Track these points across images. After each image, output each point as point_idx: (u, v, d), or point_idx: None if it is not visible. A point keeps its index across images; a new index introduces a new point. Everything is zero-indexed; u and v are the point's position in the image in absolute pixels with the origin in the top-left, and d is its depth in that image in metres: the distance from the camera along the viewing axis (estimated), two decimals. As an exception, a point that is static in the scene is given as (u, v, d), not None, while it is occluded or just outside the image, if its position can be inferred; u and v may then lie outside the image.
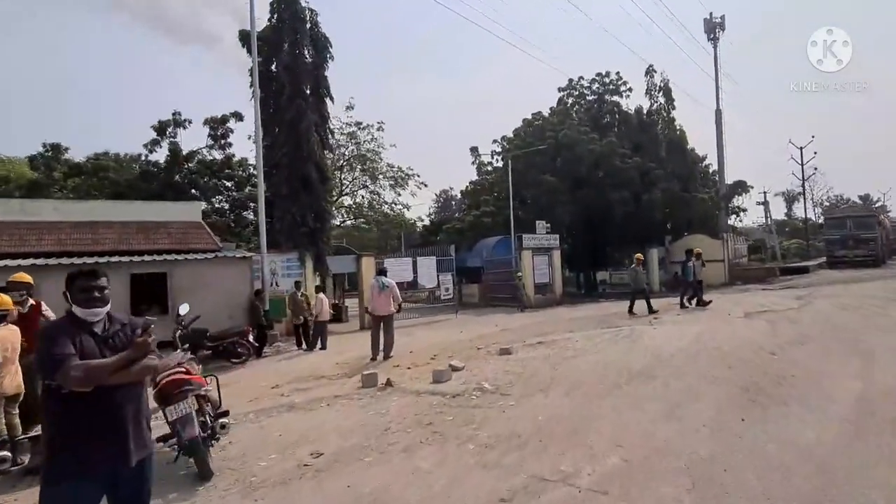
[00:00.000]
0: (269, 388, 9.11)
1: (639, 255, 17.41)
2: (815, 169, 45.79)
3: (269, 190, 17.04)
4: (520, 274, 22.83)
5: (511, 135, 30.59)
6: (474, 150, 31.17)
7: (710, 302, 15.95)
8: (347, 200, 29.71)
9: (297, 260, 16.56)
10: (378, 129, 26.68)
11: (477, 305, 27.23)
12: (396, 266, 19.87)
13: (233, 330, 12.17)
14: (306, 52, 17.12)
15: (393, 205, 29.86)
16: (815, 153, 41.59)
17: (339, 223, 30.03)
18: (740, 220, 42.92)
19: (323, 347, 13.23)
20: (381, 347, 10.92)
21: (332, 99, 17.60)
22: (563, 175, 28.46)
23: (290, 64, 16.64)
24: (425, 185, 29.45)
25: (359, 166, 27.14)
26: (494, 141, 32.61)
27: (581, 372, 7.65)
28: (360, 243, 30.87)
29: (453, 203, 50.80)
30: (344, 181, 27.92)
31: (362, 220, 29.87)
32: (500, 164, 31.83)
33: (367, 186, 28.20)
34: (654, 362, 7.95)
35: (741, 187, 34.56)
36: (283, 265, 16.30)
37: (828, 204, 71.98)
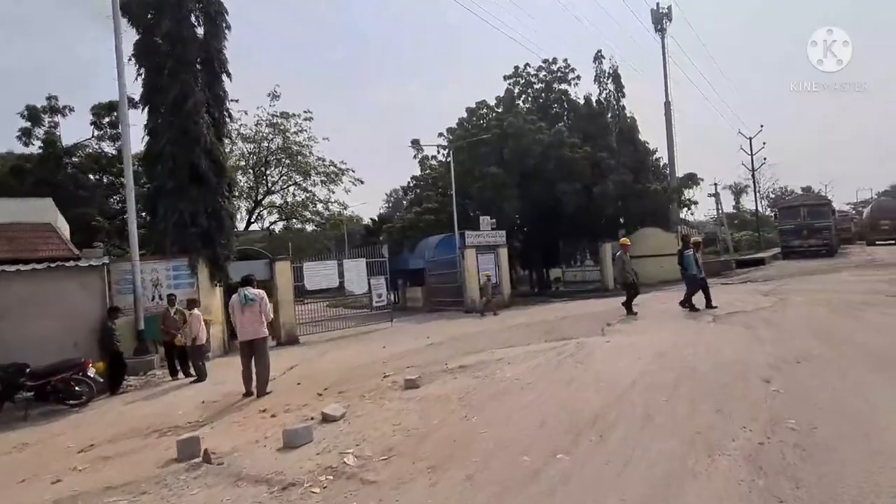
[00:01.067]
0: (76, 453, 6.25)
1: (624, 240, 14.51)
2: (765, 159, 45.20)
3: (152, 183, 13.95)
4: (489, 273, 20.64)
5: (455, 125, 28.10)
6: (415, 143, 28.65)
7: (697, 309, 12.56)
8: (278, 200, 26.59)
9: (186, 267, 13.51)
10: (305, 119, 23.72)
11: (421, 310, 24.68)
12: (318, 270, 17.06)
13: (68, 363, 9.11)
14: (194, 19, 14.09)
15: (329, 203, 26.87)
16: (764, 143, 40.95)
17: (268, 225, 26.89)
18: (692, 213, 41.86)
19: (199, 378, 10.30)
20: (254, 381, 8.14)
21: (229, 76, 14.60)
22: (510, 167, 26.14)
23: (171, 31, 13.56)
24: (360, 182, 26.70)
25: (286, 161, 24.06)
26: (440, 135, 30.11)
27: (503, 425, 5.09)
28: (295, 246, 27.72)
29: (404, 202, 47.98)
30: (271, 177, 24.81)
31: (295, 220, 26.77)
32: (446, 157, 29.36)
33: (298, 183, 25.17)
34: (608, 401, 5.47)
35: (692, 180, 33.04)
36: (167, 274, 13.24)
37: (773, 196, 73.15)
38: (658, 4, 38.73)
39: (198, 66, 14.04)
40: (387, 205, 48.91)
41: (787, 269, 23.03)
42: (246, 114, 23.31)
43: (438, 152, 29.53)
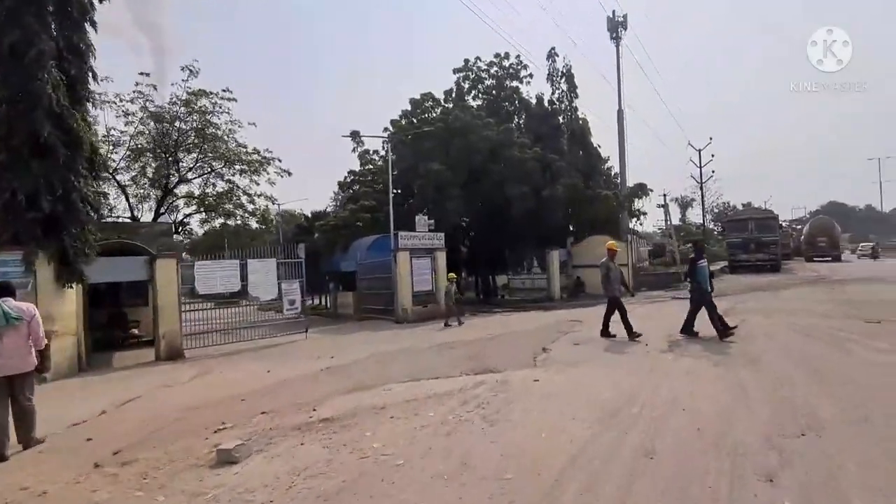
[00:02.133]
0: None
1: (612, 244, 11.56)
2: (713, 172, 44.76)
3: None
4: (454, 276, 17.98)
5: (399, 117, 25.50)
6: (355, 134, 25.83)
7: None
8: (196, 190, 23.21)
9: (20, 262, 10.37)
10: (226, 99, 20.57)
11: (352, 317, 21.92)
12: (212, 271, 14.10)
13: None
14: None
15: (255, 196, 23.71)
16: (713, 156, 40.32)
17: (181, 217, 23.46)
18: (640, 224, 40.80)
19: None
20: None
21: (93, 25, 11.53)
22: (456, 166, 23.78)
23: (9, -40, 10.45)
24: (288, 174, 23.66)
25: (203, 145, 20.81)
26: (386, 129, 27.44)
27: None
28: (235, 244, 24.36)
29: (338, 200, 44.75)
30: (185, 163, 21.50)
31: (215, 214, 23.44)
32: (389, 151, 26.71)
33: (214, 170, 21.87)
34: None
35: (642, 190, 31.65)
36: (-10, 270, 10.06)
37: (717, 211, 73.97)
38: (614, 12, 37.49)
39: (50, 9, 10.94)
40: (334, 202, 45.58)
41: (738, 284, 21.57)
42: (155, 89, 19.96)
43: (383, 147, 26.84)
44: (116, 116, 19.94)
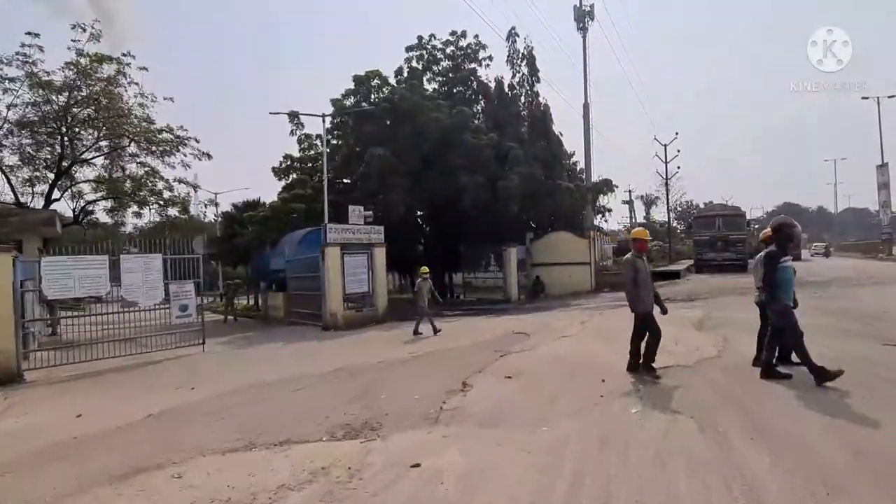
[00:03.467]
0: None
1: (639, 232, 7.50)
2: (679, 168, 43.03)
3: None
4: (426, 270, 13.64)
5: (341, 97, 22.42)
6: (293, 115, 22.65)
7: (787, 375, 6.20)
8: (101, 174, 19.68)
9: None
10: (133, 66, 17.17)
11: (282, 322, 18.93)
12: (67, 270, 10.96)
13: None
14: None
15: (173, 182, 20.33)
16: (679, 151, 38.57)
17: (83, 204, 19.88)
18: (605, 221, 38.80)
19: None
20: None
21: None
22: (404, 152, 20.97)
23: None
24: (208, 157, 20.38)
25: (100, 120, 17.35)
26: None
27: None
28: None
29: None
30: (81, 141, 17.98)
31: (128, 201, 19.94)
32: (331, 135, 23.64)
33: (116, 149, 18.43)
34: None
35: (607, 185, 29.43)
36: None
37: (680, 209, 73.08)
38: (581, 2, 35.27)
39: None
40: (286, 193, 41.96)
41: (707, 286, 19.39)
42: (41, 50, 16.40)
43: (327, 129, 23.72)
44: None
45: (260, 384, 7.69)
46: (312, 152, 23.60)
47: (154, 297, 12.19)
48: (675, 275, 24.19)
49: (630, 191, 40.59)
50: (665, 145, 38.12)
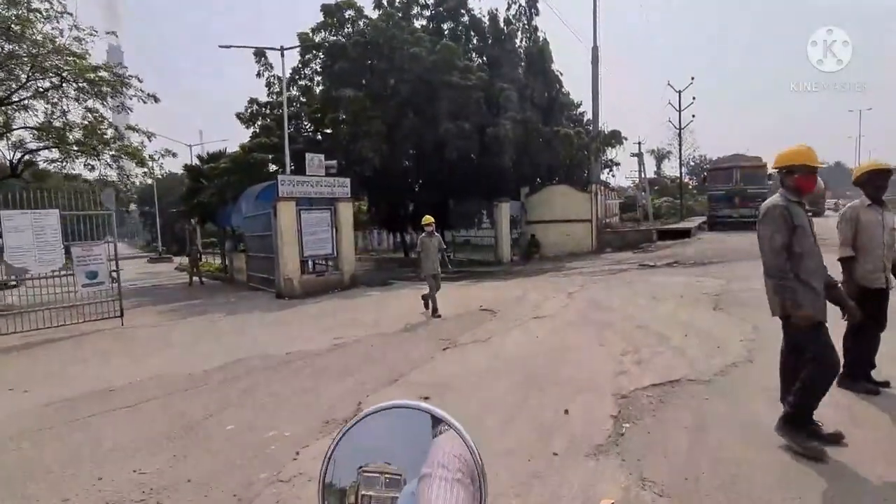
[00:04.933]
0: None
1: (799, 150, 3.49)
2: (693, 117, 39.47)
3: None
4: (431, 221, 9.52)
5: (310, 31, 19.36)
6: (260, 55, 19.76)
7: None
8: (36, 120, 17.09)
9: None
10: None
11: (244, 286, 16.81)
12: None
13: None
14: None
15: (126, 130, 17.78)
16: (694, 98, 34.97)
17: (20, 156, 17.46)
18: (613, 175, 35.75)
19: None
20: None
21: None
22: (379, 95, 18.18)
23: None
24: (154, 99, 17.72)
25: (21, 49, 14.60)
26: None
27: None
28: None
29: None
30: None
31: (78, 151, 17.49)
32: (318, 77, 20.66)
33: (41, 91, 15.83)
34: None
35: (615, 137, 26.31)
36: None
37: (692, 164, 69.07)
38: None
39: None
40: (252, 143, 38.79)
41: (722, 247, 16.73)
42: None
43: (298, 71, 20.80)
44: None
45: (98, 393, 5.45)
46: (273, 94, 20.75)
47: (51, 263, 9.95)
48: (684, 233, 21.53)
49: (640, 142, 37.18)
50: (679, 91, 34.53)
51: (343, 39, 19.09)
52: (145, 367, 6.45)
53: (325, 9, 18.73)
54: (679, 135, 35.50)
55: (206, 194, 19.41)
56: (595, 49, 31.69)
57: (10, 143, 17.73)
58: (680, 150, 37.15)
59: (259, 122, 20.26)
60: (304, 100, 20.61)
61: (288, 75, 20.30)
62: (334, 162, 15.18)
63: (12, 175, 17.49)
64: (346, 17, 19.36)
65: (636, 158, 39.35)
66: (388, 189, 22.43)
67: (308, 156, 14.11)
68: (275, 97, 20.95)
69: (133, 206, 61.37)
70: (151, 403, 4.91)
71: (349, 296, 12.95)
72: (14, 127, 17.16)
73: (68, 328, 10.00)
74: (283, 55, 16.52)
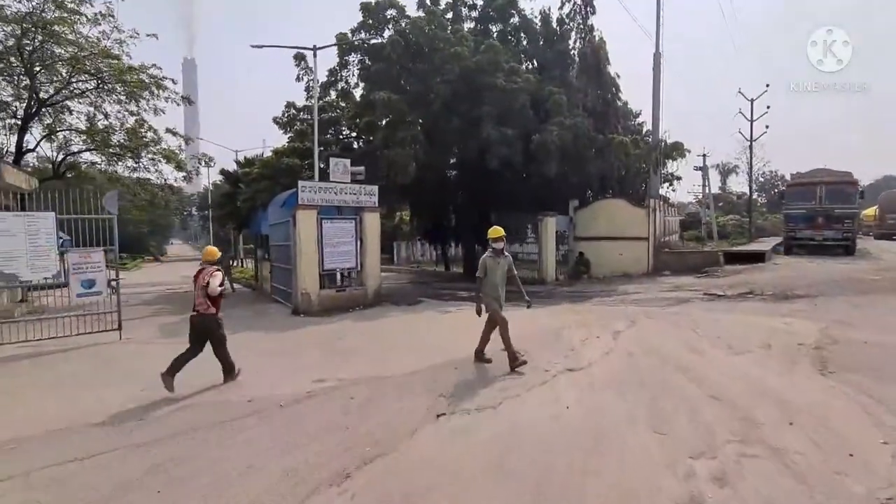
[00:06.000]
0: None
1: None
2: (767, 128, 35.71)
3: None
4: (498, 233, 6.61)
5: (350, 32, 18.38)
6: (299, 58, 18.99)
7: None
8: (80, 123, 16.97)
9: None
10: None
11: (269, 297, 15.85)
12: None
13: None
14: None
15: (148, 131, 17.27)
16: (769, 107, 31.55)
17: (61, 157, 17.39)
18: (673, 190, 32.76)
19: None
20: None
21: None
22: (418, 98, 16.87)
23: None
24: (189, 101, 17.21)
25: (44, 46, 14.31)
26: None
27: None
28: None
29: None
30: (44, 84, 15.30)
31: (123, 153, 17.26)
32: (354, 79, 19.63)
33: (84, 93, 15.58)
34: None
35: (676, 149, 23.71)
36: None
37: (762, 180, 63.74)
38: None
39: None
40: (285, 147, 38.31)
41: (806, 275, 14.11)
42: None
43: (338, 76, 19.88)
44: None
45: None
46: (323, 102, 19.88)
47: (44, 270, 9.13)
48: (757, 256, 18.78)
49: (704, 155, 34.05)
50: (751, 100, 31.25)
51: (383, 40, 18.01)
52: (74, 404, 5.24)
53: (364, 7, 17.67)
54: (750, 147, 32.17)
55: (240, 200, 18.76)
56: (657, 55, 29.27)
57: (55, 145, 17.78)
58: (750, 163, 33.73)
59: (296, 127, 19.45)
60: (343, 104, 19.64)
61: (325, 78, 19.45)
62: (361, 168, 13.93)
63: (55, 176, 17.45)
64: (387, 16, 18.22)
65: (700, 172, 36.18)
66: (429, 199, 21.08)
67: (332, 161, 12.91)
68: (328, 100, 20.15)
69: (193, 210, 63.73)
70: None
71: (368, 316, 11.55)
72: (59, 129, 17.15)
73: (63, 340, 9.16)
74: (315, 55, 15.54)
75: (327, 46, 16.23)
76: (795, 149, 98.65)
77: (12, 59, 14.73)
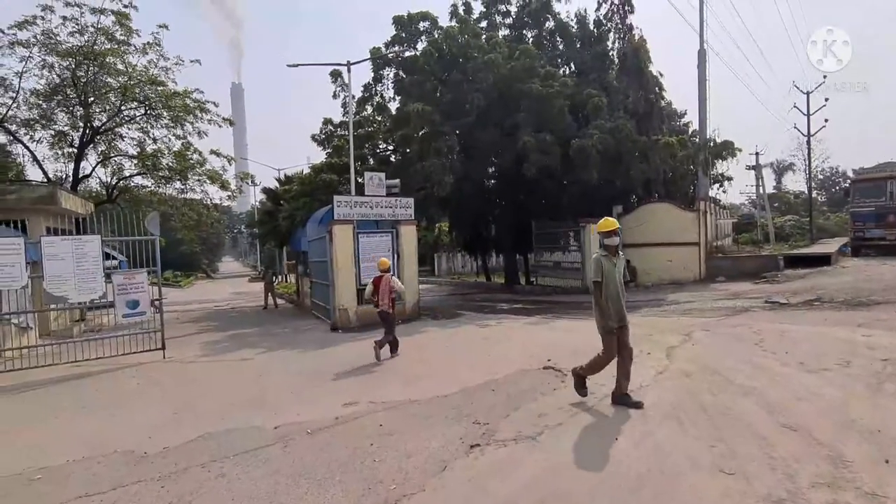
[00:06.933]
0: None
1: None
2: (826, 122, 33.57)
3: None
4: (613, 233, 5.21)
5: (383, 46, 18.42)
6: (336, 75, 19.19)
7: None
8: (127, 147, 17.74)
9: None
10: (124, 21, 14.65)
11: (309, 312, 15.90)
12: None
13: None
14: None
15: (192, 152, 17.79)
16: (827, 100, 29.49)
17: (114, 181, 18.16)
18: (724, 191, 30.97)
19: None
20: None
21: None
22: (452, 108, 16.65)
23: None
24: (230, 123, 17.62)
25: (93, 74, 15.00)
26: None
27: None
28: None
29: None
30: (97, 113, 16.04)
31: (171, 175, 17.92)
32: (390, 93, 19.66)
33: (133, 119, 16.20)
34: None
35: (726, 148, 22.35)
36: None
37: (821, 178, 59.87)
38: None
39: None
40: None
41: (880, 279, 12.80)
42: (52, 11, 14.41)
43: (373, 90, 19.95)
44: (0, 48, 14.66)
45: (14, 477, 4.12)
46: (359, 117, 20.00)
47: (91, 292, 9.34)
48: (822, 259, 17.37)
49: (757, 153, 32.20)
50: (807, 93, 29.35)
51: (416, 52, 17.94)
52: (103, 429, 5.15)
53: (397, 20, 17.67)
54: (808, 143, 30.18)
55: (281, 217, 19.04)
56: (702, 53, 28.03)
57: (108, 170, 18.58)
58: (809, 160, 31.67)
59: (333, 143, 19.61)
60: (378, 118, 19.68)
61: (360, 94, 19.54)
62: (396, 181, 13.78)
63: (108, 200, 18.23)
64: (420, 28, 18.15)
65: (752, 172, 34.24)
66: (468, 209, 20.76)
67: (367, 174, 12.82)
68: (367, 114, 20.30)
69: (242, 228, 66.04)
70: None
71: (405, 332, 11.23)
72: (112, 155, 17.93)
73: (110, 360, 9.33)
74: (349, 70, 15.62)
75: (361, 62, 16.29)
76: (856, 143, 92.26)
77: (69, 90, 15.54)
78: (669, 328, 8.79)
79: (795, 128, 32.42)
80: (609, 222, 5.16)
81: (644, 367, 6.05)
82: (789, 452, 3.54)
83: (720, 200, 30.49)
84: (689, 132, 25.30)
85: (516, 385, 5.82)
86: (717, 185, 25.72)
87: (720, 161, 21.03)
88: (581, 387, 5.22)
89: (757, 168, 31.71)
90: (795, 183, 59.82)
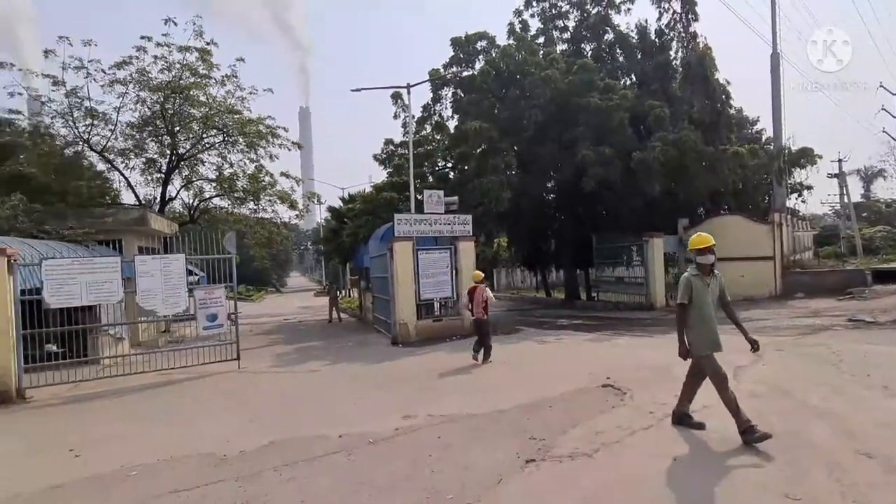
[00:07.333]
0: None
1: None
2: (919, 124, 30.63)
3: None
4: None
5: (442, 67, 18.97)
6: (396, 97, 19.93)
7: None
8: (208, 172, 19.32)
9: None
10: (206, 57, 16.09)
11: (371, 326, 16.44)
12: (73, 274, 9.43)
13: None
14: None
15: (264, 175, 19.08)
16: (921, 101, 27.02)
17: (195, 202, 19.73)
18: (803, 202, 28.90)
19: None
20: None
21: None
22: (510, 125, 16.85)
23: None
24: (299, 146, 18.67)
25: (195, 115, 16.58)
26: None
27: None
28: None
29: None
30: (181, 141, 17.57)
31: (246, 196, 19.34)
32: (448, 112, 20.19)
33: (214, 146, 17.63)
34: None
35: (805, 156, 20.90)
36: None
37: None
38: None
39: None
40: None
41: None
42: (145, 51, 16.10)
43: (432, 110, 20.54)
44: (101, 86, 16.49)
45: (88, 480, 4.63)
46: (418, 136, 20.63)
47: (176, 306, 10.22)
48: (919, 274, 15.88)
49: (840, 160, 29.97)
50: (897, 94, 27.09)
51: (473, 72, 18.34)
52: (185, 437, 5.65)
53: (455, 42, 18.18)
54: (899, 146, 27.77)
55: (344, 234, 19.89)
56: (775, 56, 26.69)
57: (191, 193, 20.22)
58: (901, 165, 29.02)
59: (394, 162, 20.32)
60: (437, 136, 20.21)
61: (420, 114, 20.15)
62: (455, 198, 14.08)
63: (190, 221, 19.82)
64: (478, 48, 18.57)
65: (835, 180, 31.89)
66: (526, 225, 20.76)
67: (426, 192, 13.20)
68: (427, 134, 20.98)
69: (309, 245, 69.18)
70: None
71: (463, 347, 11.38)
72: (194, 179, 19.54)
73: (190, 370, 10.11)
74: (409, 91, 16.19)
75: (420, 83, 16.87)
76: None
77: (158, 122, 17.16)
78: (738, 347, 8.32)
79: (884, 132, 29.95)
80: (703, 238, 4.69)
81: (708, 387, 5.85)
82: (863, 480, 3.36)
83: (799, 211, 28.55)
84: (763, 140, 24.05)
85: (574, 402, 5.82)
86: (795, 195, 24.22)
87: (798, 169, 19.81)
88: (697, 425, 4.82)
89: (840, 176, 29.57)
90: (887, 190, 54.71)
